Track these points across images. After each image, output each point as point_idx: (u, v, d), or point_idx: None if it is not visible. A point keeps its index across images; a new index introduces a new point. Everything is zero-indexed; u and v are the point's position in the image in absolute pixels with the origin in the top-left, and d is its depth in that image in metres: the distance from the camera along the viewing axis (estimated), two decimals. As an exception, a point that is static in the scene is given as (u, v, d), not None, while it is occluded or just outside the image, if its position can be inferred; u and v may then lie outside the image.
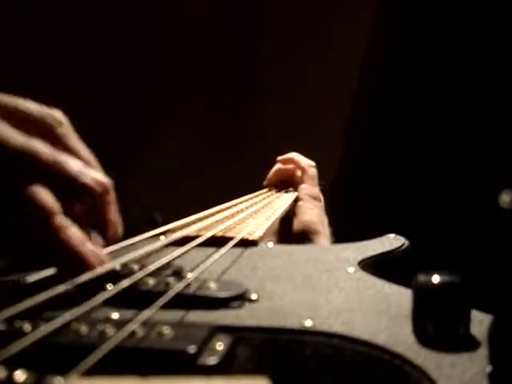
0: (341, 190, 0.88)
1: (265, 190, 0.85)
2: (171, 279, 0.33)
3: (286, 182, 0.87)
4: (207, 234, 0.48)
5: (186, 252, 0.43)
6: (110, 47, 1.24)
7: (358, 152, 1.32)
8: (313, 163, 0.87)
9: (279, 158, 0.88)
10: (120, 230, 0.42)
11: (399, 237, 0.53)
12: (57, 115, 0.39)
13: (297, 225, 0.73)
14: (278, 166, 0.89)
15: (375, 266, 0.45)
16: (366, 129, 1.33)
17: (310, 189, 0.81)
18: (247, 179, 0.85)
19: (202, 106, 1.31)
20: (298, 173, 0.85)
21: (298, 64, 1.32)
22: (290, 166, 0.87)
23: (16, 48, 1.12)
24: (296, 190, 0.83)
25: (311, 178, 0.83)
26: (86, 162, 0.39)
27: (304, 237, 0.69)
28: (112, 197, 0.41)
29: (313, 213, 0.76)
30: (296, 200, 0.79)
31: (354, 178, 1.29)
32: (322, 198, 0.82)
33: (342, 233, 0.82)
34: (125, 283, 0.32)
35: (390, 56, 1.28)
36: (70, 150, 0.39)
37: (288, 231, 0.71)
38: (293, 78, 1.32)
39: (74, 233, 0.35)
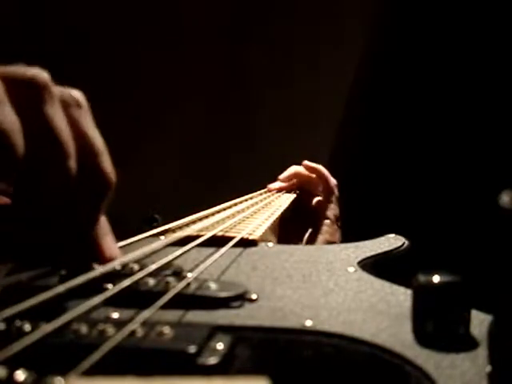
0: (340, 189, 0.88)
1: (264, 190, 0.85)
2: (171, 279, 0.33)
3: (298, 187, 0.87)
4: (207, 234, 0.48)
5: (185, 252, 0.42)
6: (110, 43, 1.24)
7: (357, 152, 1.32)
8: (335, 182, 0.86)
9: (306, 162, 0.87)
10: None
11: (399, 237, 0.53)
12: (75, 94, 0.36)
13: (321, 243, 0.77)
14: (297, 168, 0.88)
15: (375, 265, 0.45)
16: (366, 128, 1.33)
17: (337, 210, 0.83)
18: (247, 179, 0.85)
19: (202, 105, 1.31)
20: (319, 187, 0.85)
21: (296, 64, 1.32)
22: (313, 175, 0.87)
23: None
24: (298, 193, 0.84)
25: (336, 200, 0.84)
26: (98, 153, 0.36)
27: None
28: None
29: (338, 235, 0.80)
30: (320, 217, 0.79)
31: (354, 179, 1.29)
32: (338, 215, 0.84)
33: (343, 233, 0.82)
34: (125, 283, 0.32)
35: (389, 55, 1.28)
36: (83, 135, 0.35)
37: (288, 231, 0.72)
38: (291, 78, 1.32)
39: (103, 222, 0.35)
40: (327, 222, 0.81)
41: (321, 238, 0.79)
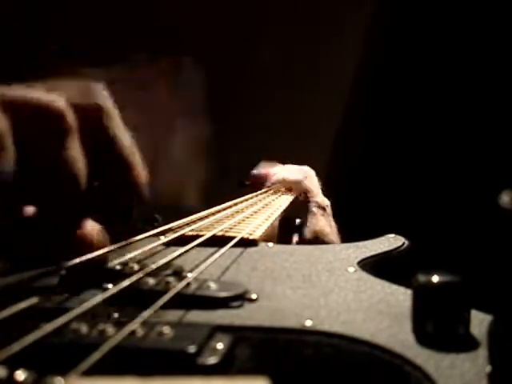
0: (340, 189, 0.88)
1: (263, 190, 0.85)
2: (171, 279, 0.33)
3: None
4: (207, 234, 0.48)
5: (185, 252, 0.43)
6: (109, 43, 1.24)
7: (357, 152, 1.32)
8: (301, 175, 0.85)
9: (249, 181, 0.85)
10: None
11: (399, 237, 0.53)
12: (100, 97, 0.36)
13: (309, 235, 0.75)
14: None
15: (375, 266, 0.45)
16: (366, 129, 1.33)
17: (318, 199, 0.81)
18: (247, 179, 0.85)
19: (202, 105, 1.31)
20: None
21: (296, 64, 1.32)
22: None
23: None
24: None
25: (314, 189, 0.83)
26: (128, 154, 0.37)
27: None
28: None
29: (324, 222, 0.78)
30: (305, 207, 0.79)
31: (354, 179, 1.29)
32: (329, 204, 0.83)
33: (342, 233, 0.82)
34: (125, 283, 0.32)
35: (389, 55, 1.28)
36: (111, 140, 0.36)
37: (288, 231, 0.72)
38: (292, 78, 1.32)
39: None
40: (311, 212, 0.79)
41: (307, 230, 0.78)
